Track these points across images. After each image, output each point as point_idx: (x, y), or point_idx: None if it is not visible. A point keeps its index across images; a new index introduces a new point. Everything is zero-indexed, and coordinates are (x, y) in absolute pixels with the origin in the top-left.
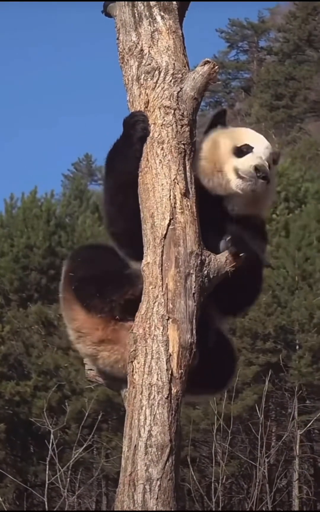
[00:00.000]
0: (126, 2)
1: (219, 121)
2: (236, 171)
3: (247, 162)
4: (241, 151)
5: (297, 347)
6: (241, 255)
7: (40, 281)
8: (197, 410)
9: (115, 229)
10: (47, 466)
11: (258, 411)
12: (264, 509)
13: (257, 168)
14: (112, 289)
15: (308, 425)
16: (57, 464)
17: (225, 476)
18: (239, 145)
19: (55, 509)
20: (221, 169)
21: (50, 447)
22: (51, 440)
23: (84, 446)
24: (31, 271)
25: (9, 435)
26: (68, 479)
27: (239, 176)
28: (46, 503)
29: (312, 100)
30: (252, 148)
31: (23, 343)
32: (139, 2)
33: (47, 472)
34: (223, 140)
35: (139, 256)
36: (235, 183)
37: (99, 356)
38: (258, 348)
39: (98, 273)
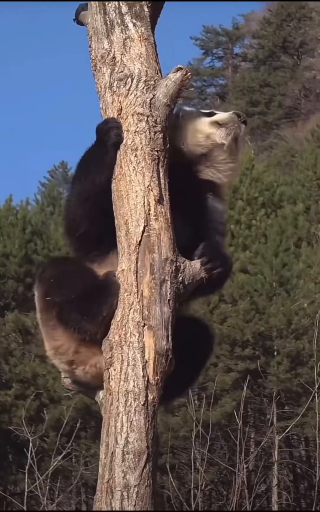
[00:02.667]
0: (98, 10)
1: None
2: (216, 123)
3: (224, 113)
4: (210, 114)
5: (275, 353)
6: (215, 271)
7: (17, 289)
8: (175, 417)
9: (81, 234)
10: (26, 475)
11: (236, 417)
12: None
13: (236, 113)
14: (98, 306)
15: (286, 430)
16: (36, 472)
17: (204, 483)
18: (206, 112)
19: None
20: (197, 129)
21: (29, 456)
22: (30, 449)
23: (63, 454)
24: (7, 279)
25: None
26: (47, 487)
27: (220, 127)
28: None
29: (287, 106)
30: (216, 113)
31: (1, 351)
32: (111, 10)
33: (26, 480)
34: (190, 113)
35: (104, 261)
36: (218, 134)
37: (76, 372)
38: (236, 355)
39: (77, 294)
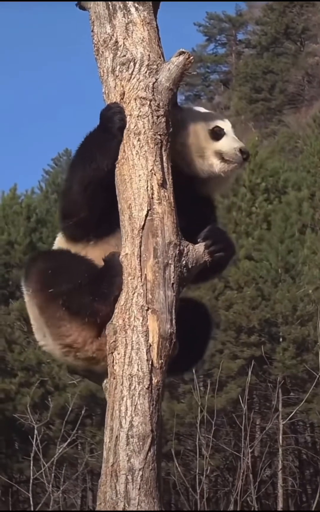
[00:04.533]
0: None
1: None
2: (220, 154)
3: (230, 145)
4: (216, 133)
5: (281, 339)
6: (218, 254)
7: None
8: (181, 404)
9: (81, 218)
10: (31, 462)
11: (241, 402)
12: (248, 499)
13: (241, 150)
14: (108, 287)
15: (290, 416)
16: (41, 460)
17: (210, 469)
18: (211, 128)
19: (40, 505)
20: (202, 155)
21: (34, 443)
22: (35, 436)
23: (68, 441)
24: (12, 268)
25: None
26: (52, 475)
27: (223, 160)
28: (31, 499)
29: (290, 92)
30: (223, 129)
31: (6, 340)
32: None
33: (31, 468)
34: (196, 123)
35: (101, 244)
36: (219, 167)
37: (96, 368)
38: (242, 341)
39: (83, 280)
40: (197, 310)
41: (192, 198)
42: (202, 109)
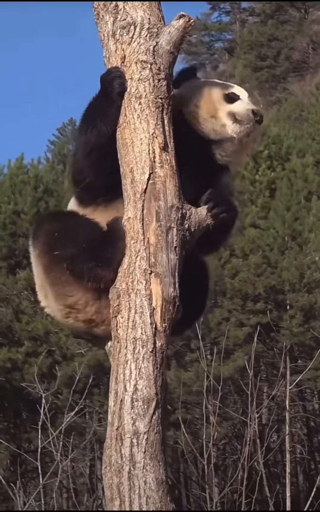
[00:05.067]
0: None
1: (192, 74)
2: (233, 115)
3: (244, 107)
4: (230, 97)
5: (288, 307)
6: (221, 215)
7: (29, 247)
8: (188, 372)
9: (87, 184)
10: (40, 431)
11: (248, 369)
12: (256, 465)
13: (254, 112)
14: (112, 251)
15: (296, 381)
16: (49, 429)
17: (217, 437)
18: (227, 92)
19: (48, 474)
20: (215, 115)
21: (42, 412)
22: (43, 405)
23: (75, 410)
24: (19, 238)
25: (2, 402)
26: (61, 444)
27: (235, 121)
28: (39, 468)
29: (295, 59)
30: (239, 95)
31: (13, 309)
32: None
33: (39, 437)
34: (211, 87)
35: (109, 208)
36: (231, 128)
37: (96, 330)
38: (248, 309)
39: (87, 244)
40: (194, 263)
41: (200, 162)
42: (217, 81)
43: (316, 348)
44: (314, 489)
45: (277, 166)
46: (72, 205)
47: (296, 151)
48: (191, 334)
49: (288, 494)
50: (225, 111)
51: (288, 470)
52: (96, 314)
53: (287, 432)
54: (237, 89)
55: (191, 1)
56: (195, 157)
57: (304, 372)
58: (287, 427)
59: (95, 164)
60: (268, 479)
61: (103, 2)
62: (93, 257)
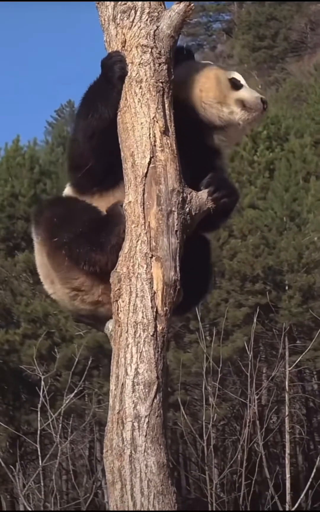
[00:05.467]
0: None
1: (189, 56)
2: (241, 102)
3: (253, 94)
4: (234, 83)
5: (287, 287)
6: (222, 200)
7: (27, 230)
8: (187, 353)
9: (88, 169)
10: (39, 413)
11: (247, 350)
12: (255, 447)
13: (262, 100)
14: (106, 236)
15: (296, 362)
16: (48, 411)
17: (217, 418)
18: (229, 78)
19: (48, 456)
20: (222, 101)
21: (41, 395)
22: (42, 387)
23: (74, 392)
24: (17, 220)
25: (1, 384)
26: (60, 426)
27: (244, 108)
28: (39, 450)
29: (293, 40)
30: (239, 81)
31: (12, 292)
32: None
33: (38, 418)
34: (217, 71)
35: (108, 193)
36: (239, 115)
37: (101, 310)
38: (247, 290)
39: (83, 229)
40: (197, 243)
41: (199, 147)
42: (212, 64)
43: (315, 329)
44: (314, 470)
45: (276, 146)
46: (69, 192)
47: (294, 132)
48: (190, 315)
49: (287, 475)
50: (233, 98)
51: (287, 451)
52: (103, 295)
53: (286, 413)
54: (236, 74)
55: None
56: (192, 141)
57: (304, 353)
58: (286, 408)
59: (96, 148)
60: (267, 460)
61: None
62: (88, 241)
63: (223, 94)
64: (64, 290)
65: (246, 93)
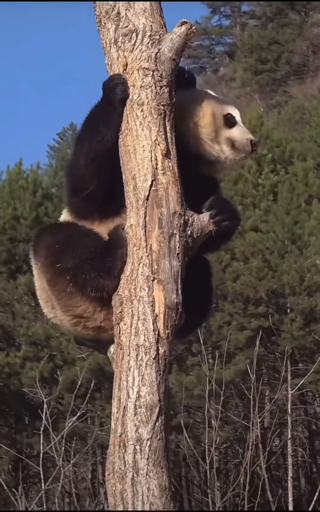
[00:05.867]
0: None
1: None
2: (231, 142)
3: (243, 135)
4: (229, 120)
5: (289, 310)
6: (224, 223)
7: (29, 252)
8: (190, 376)
9: (89, 193)
10: (41, 436)
11: (250, 372)
12: (258, 470)
13: (252, 142)
14: (112, 260)
15: (298, 385)
16: (51, 434)
17: (219, 441)
18: (225, 113)
19: (50, 479)
20: (214, 138)
21: (43, 417)
22: (44, 410)
23: (77, 415)
24: (19, 243)
25: (1, 406)
26: (63, 449)
27: (233, 148)
28: (41, 473)
29: (295, 63)
30: (235, 117)
31: (13, 314)
32: None
33: (41, 441)
34: (214, 106)
35: (108, 218)
36: (227, 154)
37: (104, 336)
38: (250, 312)
39: (88, 254)
40: (198, 264)
41: (196, 172)
42: (213, 94)
43: (317, 352)
44: (317, 493)
45: (280, 169)
46: (67, 217)
47: (297, 154)
48: (192, 338)
49: (290, 498)
50: (224, 136)
51: (290, 474)
52: (105, 321)
53: (289, 436)
54: (232, 109)
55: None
56: (191, 166)
57: (306, 376)
58: (289, 431)
59: (98, 172)
60: (270, 483)
61: (105, 9)
62: (95, 267)
63: (215, 131)
64: (66, 317)
65: (237, 133)
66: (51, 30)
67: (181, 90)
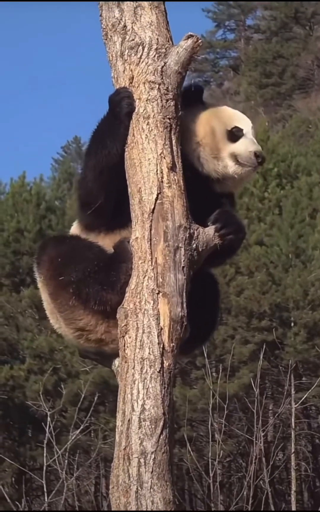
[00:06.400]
0: None
1: (198, 98)
2: (235, 157)
3: (246, 148)
4: (233, 134)
5: (292, 324)
6: (229, 236)
7: (32, 265)
8: (193, 390)
9: (98, 206)
10: (45, 449)
11: (254, 387)
12: (261, 483)
13: (256, 154)
14: (116, 274)
15: (302, 399)
16: (55, 447)
17: (223, 454)
18: (229, 128)
19: (53, 492)
20: (217, 155)
21: (47, 430)
22: (48, 423)
23: (81, 428)
24: (22, 255)
25: (5, 419)
26: (66, 462)
27: (238, 163)
28: (44, 486)
29: (300, 77)
30: (242, 130)
31: (17, 327)
32: None
33: (44, 454)
34: (215, 123)
35: (115, 231)
36: (233, 169)
37: (106, 349)
38: (253, 326)
39: (91, 268)
40: (205, 279)
41: (201, 186)
42: (227, 108)
43: None
44: None
45: (286, 184)
46: (75, 230)
47: (301, 169)
48: (196, 352)
49: None
50: (228, 152)
51: (293, 488)
52: (106, 334)
53: (292, 450)
54: (240, 121)
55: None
56: (199, 180)
57: (310, 390)
58: (292, 445)
59: (105, 186)
60: (273, 497)
61: (111, 22)
62: (98, 280)
63: (219, 148)
64: (69, 330)
65: (241, 147)
66: (57, 42)
67: (187, 107)
